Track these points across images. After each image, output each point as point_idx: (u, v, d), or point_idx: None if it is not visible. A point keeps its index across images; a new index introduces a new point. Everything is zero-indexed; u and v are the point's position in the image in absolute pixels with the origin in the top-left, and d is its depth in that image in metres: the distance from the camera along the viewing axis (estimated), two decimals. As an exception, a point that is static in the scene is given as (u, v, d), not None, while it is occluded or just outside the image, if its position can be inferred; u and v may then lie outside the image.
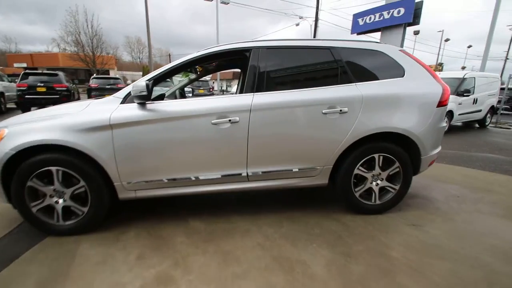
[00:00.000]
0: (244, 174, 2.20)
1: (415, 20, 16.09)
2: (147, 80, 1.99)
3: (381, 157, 2.31)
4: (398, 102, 2.25)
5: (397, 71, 2.34)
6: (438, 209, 2.59)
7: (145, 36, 17.43)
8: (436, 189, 3.10)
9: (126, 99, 2.08)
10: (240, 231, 2.15)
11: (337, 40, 2.34)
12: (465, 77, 7.58)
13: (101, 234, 2.10)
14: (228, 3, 21.75)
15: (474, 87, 7.73)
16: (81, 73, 31.65)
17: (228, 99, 2.15)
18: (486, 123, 9.12)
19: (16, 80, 10.92)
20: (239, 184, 2.24)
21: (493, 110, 9.28)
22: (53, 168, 1.97)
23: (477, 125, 9.03)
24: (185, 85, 3.43)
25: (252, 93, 2.14)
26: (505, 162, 4.56)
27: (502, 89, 10.37)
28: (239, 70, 3.55)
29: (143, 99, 1.95)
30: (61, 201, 2.06)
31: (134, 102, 2.04)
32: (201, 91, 14.85)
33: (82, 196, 2.09)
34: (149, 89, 1.92)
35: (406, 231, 2.17)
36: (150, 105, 2.06)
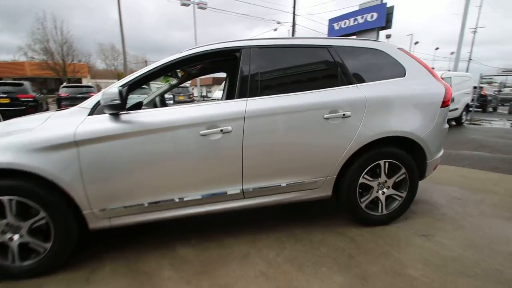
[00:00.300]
0: (239, 190, 1.92)
1: (388, 24, 16.73)
2: (120, 86, 1.67)
3: (387, 164, 2.12)
4: (402, 104, 2.09)
5: (398, 70, 2.19)
6: (444, 214, 2.45)
7: (119, 43, 16.70)
8: (436, 192, 2.99)
9: (95, 110, 1.74)
10: (238, 257, 1.86)
11: (334, 39, 2.15)
12: (442, 76, 7.80)
13: (69, 275, 1.73)
14: (205, 8, 21.49)
15: (450, 86, 7.98)
16: (51, 83, 29.83)
17: (217, 106, 1.88)
18: (462, 121, 9.47)
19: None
20: (234, 203, 1.96)
21: (467, 108, 9.67)
22: (5, 198, 1.60)
23: (453, 123, 9.33)
24: (166, 92, 3.11)
25: (245, 99, 1.88)
26: (491, 159, 4.61)
27: (474, 87, 10.86)
28: (222, 75, 3.28)
29: (116, 109, 1.63)
30: (16, 237, 1.68)
31: (105, 113, 1.71)
32: (181, 98, 14.35)
33: (44, 229, 1.71)
34: (123, 96, 1.61)
35: (418, 243, 1.98)
36: (125, 116, 1.74)
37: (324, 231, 2.18)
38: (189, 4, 20.58)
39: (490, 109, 16.48)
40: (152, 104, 2.87)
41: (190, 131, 1.77)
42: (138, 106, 2.31)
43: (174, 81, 3.09)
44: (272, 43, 2.04)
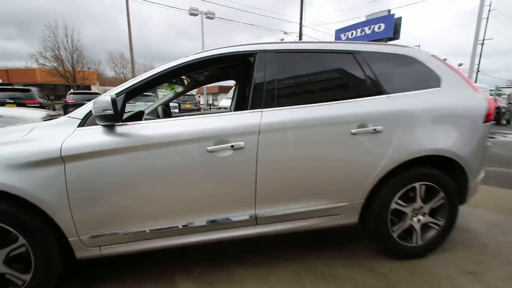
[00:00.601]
0: (252, 216, 1.65)
1: (395, 35, 16.55)
2: (116, 94, 1.43)
3: (423, 187, 1.83)
4: (441, 118, 1.81)
5: (432, 80, 1.91)
6: (486, 246, 2.11)
7: (128, 52, 16.84)
8: (470, 215, 2.65)
9: (86, 120, 1.51)
10: (249, 297, 1.57)
11: (361, 44, 1.90)
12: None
13: (48, 316, 1.46)
14: (213, 18, 21.74)
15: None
16: (61, 89, 30.32)
17: (227, 118, 1.63)
18: (479, 134, 9.05)
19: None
20: (244, 230, 1.68)
21: (484, 120, 9.25)
22: (-25, 222, 1.35)
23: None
24: (170, 100, 2.89)
25: (260, 110, 1.63)
26: (520, 177, 4.24)
27: (490, 99, 10.48)
28: (229, 83, 3.05)
29: (110, 120, 1.38)
30: (-10, 267, 1.43)
31: (97, 125, 1.47)
32: (188, 106, 14.20)
33: (23, 257, 1.46)
34: (117, 106, 1.36)
35: (464, 284, 1.66)
36: (121, 128, 1.50)
37: (349, 264, 1.87)
38: (197, 14, 20.85)
39: (504, 122, 15.95)
40: (155, 114, 2.64)
41: (195, 146, 1.52)
42: (139, 115, 2.07)
43: (179, 89, 2.87)
44: (291, 48, 1.80)
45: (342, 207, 1.75)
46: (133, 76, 18.94)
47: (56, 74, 25.29)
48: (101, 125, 1.46)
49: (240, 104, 2.76)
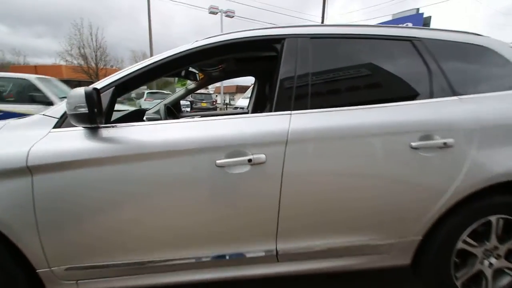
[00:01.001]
0: (270, 251, 1.26)
1: (424, 35, 15.47)
2: (93, 88, 1.07)
3: (501, 221, 1.36)
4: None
5: (515, 78, 1.44)
6: None
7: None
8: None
9: (64, 120, 1.18)
10: None
11: (422, 29, 1.46)
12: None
13: None
14: (232, 17, 21.58)
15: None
16: (85, 85, 31.15)
17: (244, 123, 1.25)
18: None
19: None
20: (260, 268, 1.30)
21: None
22: None
23: None
24: (180, 98, 2.56)
25: (288, 112, 1.24)
26: None
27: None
28: (246, 83, 2.68)
29: (85, 120, 1.04)
30: None
31: (77, 126, 1.14)
32: (204, 104, 13.95)
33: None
34: (94, 102, 1.02)
35: None
36: (107, 131, 1.16)
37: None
38: (217, 13, 20.73)
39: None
40: (162, 114, 2.31)
41: (201, 158, 1.15)
42: (138, 115, 1.75)
43: (191, 86, 2.53)
44: (330, 32, 1.39)
45: (391, 244, 1.32)
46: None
47: (80, 70, 26.13)
48: (82, 127, 1.13)
49: (260, 105, 2.39)
